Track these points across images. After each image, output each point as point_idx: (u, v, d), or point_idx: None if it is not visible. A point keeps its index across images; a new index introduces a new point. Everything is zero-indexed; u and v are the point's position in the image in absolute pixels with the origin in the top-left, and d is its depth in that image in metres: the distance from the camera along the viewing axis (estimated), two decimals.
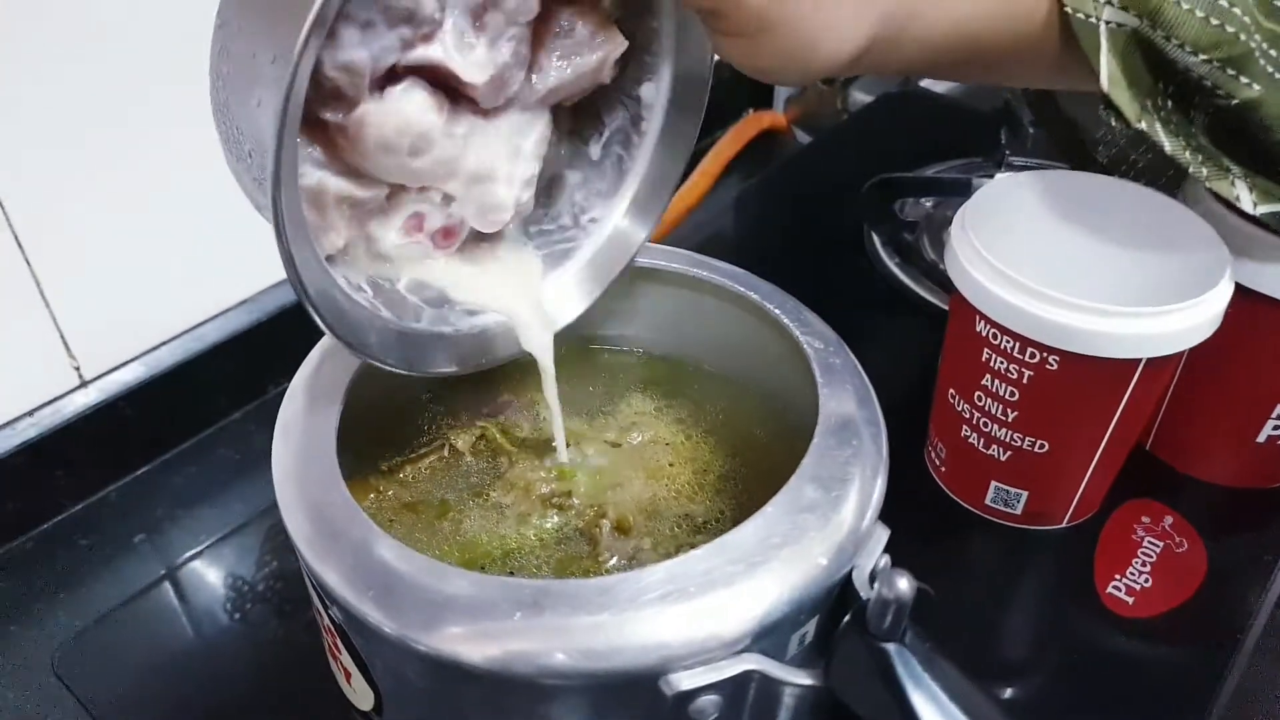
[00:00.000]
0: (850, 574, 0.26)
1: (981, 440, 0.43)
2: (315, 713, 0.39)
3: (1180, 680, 0.40)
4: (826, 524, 0.27)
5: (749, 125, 0.85)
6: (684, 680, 0.24)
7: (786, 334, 0.33)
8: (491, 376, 0.35)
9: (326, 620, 0.28)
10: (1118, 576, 0.43)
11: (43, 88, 0.47)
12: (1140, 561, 0.44)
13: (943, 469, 0.46)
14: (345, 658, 0.28)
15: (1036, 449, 0.41)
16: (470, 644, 0.24)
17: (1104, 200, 0.42)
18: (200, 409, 0.60)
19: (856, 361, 0.32)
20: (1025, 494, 0.43)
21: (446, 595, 0.25)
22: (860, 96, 0.83)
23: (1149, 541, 0.44)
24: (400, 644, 0.25)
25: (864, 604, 0.24)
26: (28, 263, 0.49)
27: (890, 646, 0.24)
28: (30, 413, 0.53)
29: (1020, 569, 0.45)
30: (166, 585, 0.50)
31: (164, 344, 0.57)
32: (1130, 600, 0.42)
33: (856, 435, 0.29)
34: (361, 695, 0.29)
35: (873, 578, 0.25)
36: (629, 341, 0.39)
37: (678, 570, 0.25)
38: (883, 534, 0.27)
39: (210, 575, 0.50)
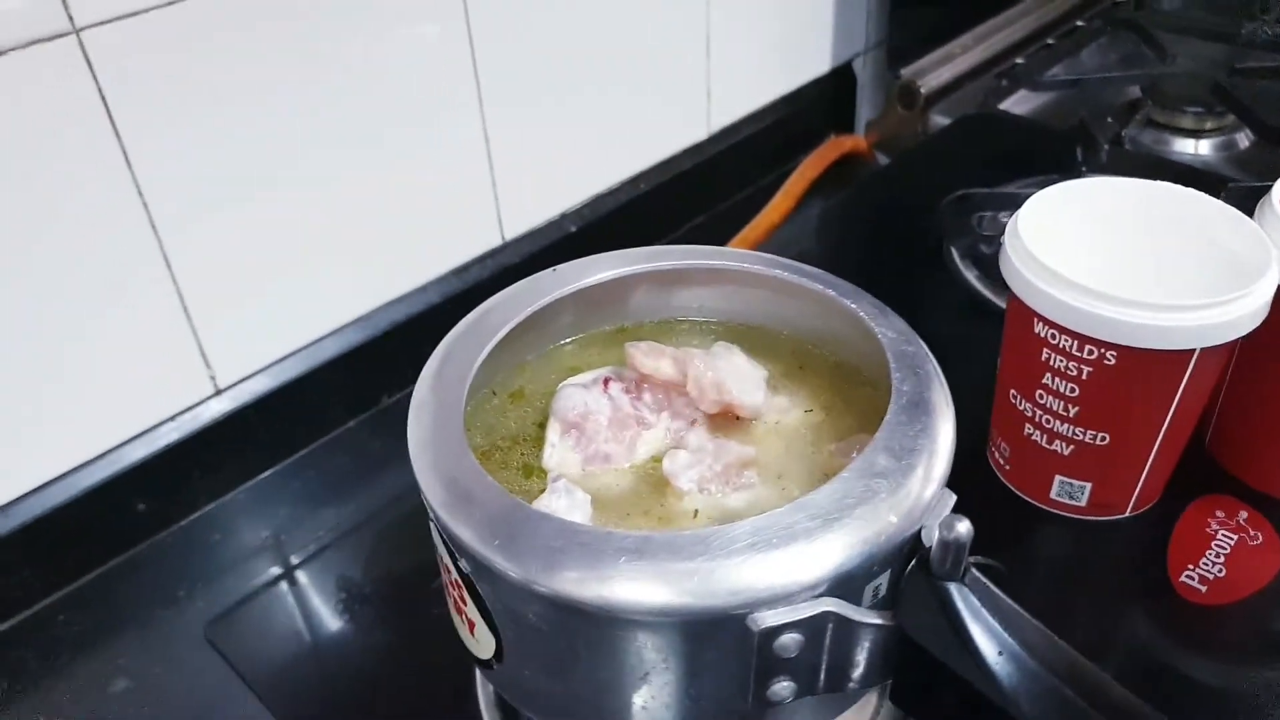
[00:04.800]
0: (919, 532, 0.29)
1: (1044, 436, 0.45)
2: (439, 671, 0.44)
3: (1254, 664, 0.42)
4: (897, 489, 0.30)
5: (831, 148, 0.89)
6: (768, 619, 0.28)
7: (862, 325, 0.36)
8: None
9: (455, 575, 0.32)
10: (1190, 567, 0.45)
11: (198, 110, 0.53)
12: (1214, 553, 0.45)
13: (1007, 467, 0.49)
14: (470, 609, 0.33)
15: (1098, 441, 0.44)
16: (582, 585, 0.28)
17: (1150, 202, 0.45)
18: (319, 417, 0.66)
19: (928, 350, 0.35)
20: (1089, 486, 0.46)
21: (562, 544, 0.29)
22: (940, 120, 0.87)
23: (1223, 534, 0.46)
24: (522, 587, 0.29)
25: (928, 549, 0.28)
26: (174, 280, 0.55)
27: (952, 586, 0.27)
28: (171, 418, 0.60)
29: (1089, 559, 0.47)
30: (299, 573, 0.55)
31: (288, 356, 0.63)
32: (1204, 589, 0.44)
33: (926, 414, 0.32)
34: (484, 644, 0.33)
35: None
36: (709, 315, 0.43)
37: (762, 525, 0.29)
38: (949, 499, 0.30)
39: (332, 565, 0.55)
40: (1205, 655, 0.42)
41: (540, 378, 0.41)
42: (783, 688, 0.29)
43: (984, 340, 0.50)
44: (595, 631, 0.29)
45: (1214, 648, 0.42)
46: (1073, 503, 0.47)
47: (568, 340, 0.42)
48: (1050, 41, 0.96)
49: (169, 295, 0.56)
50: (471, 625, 0.33)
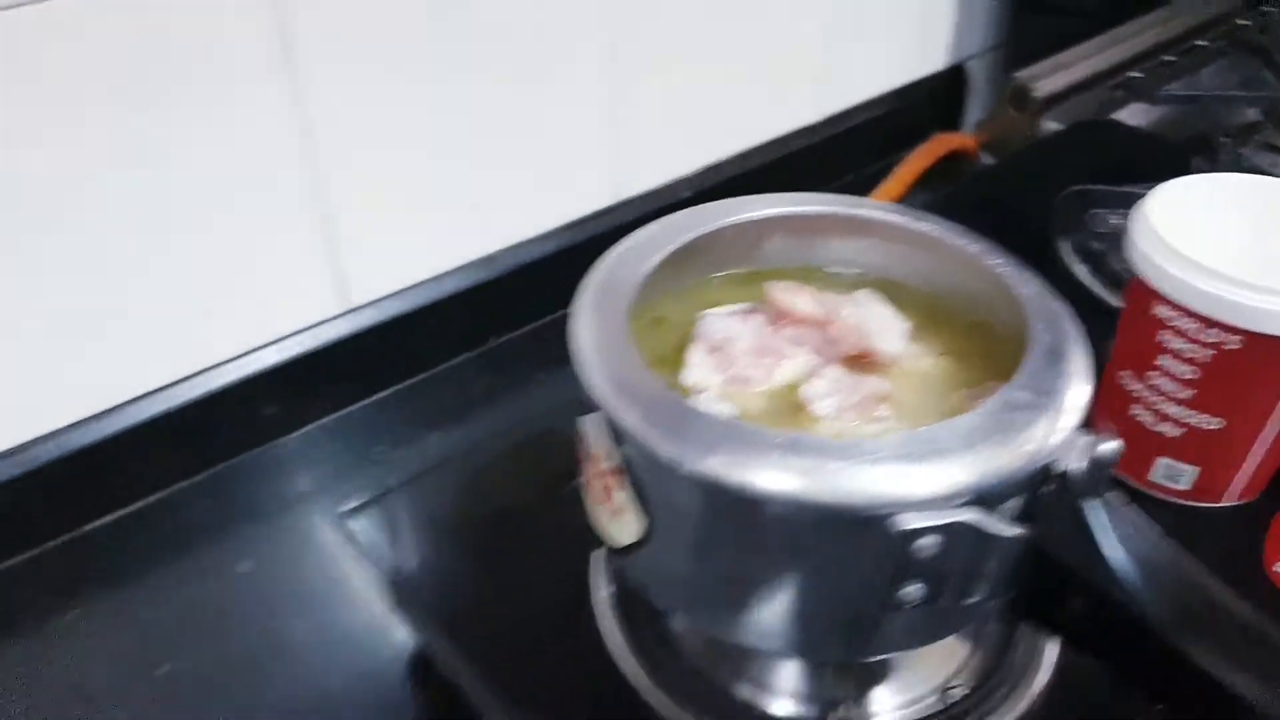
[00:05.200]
0: (1054, 462, 0.31)
1: (1153, 418, 0.47)
2: (557, 576, 0.47)
3: None
4: (1034, 423, 0.32)
5: (940, 143, 0.90)
6: (911, 521, 0.30)
7: (1000, 282, 0.39)
8: None
9: (610, 465, 0.35)
10: None
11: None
12: None
13: None
14: (620, 497, 0.35)
15: (1211, 426, 0.45)
16: (739, 470, 0.31)
17: (1268, 195, 0.46)
18: (435, 347, 0.70)
19: (1067, 306, 0.37)
20: (1195, 470, 0.47)
21: (722, 434, 0.32)
22: (1050, 125, 0.88)
23: None
24: (681, 472, 0.31)
25: (1065, 471, 0.30)
26: (324, 198, 0.59)
27: (1090, 503, 0.30)
28: (303, 330, 0.64)
29: (1186, 542, 0.48)
30: (421, 480, 0.58)
31: (415, 286, 0.67)
32: None
33: (1065, 360, 0.34)
34: (628, 530, 0.36)
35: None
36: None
37: (909, 438, 0.31)
38: (1115, 443, 0.32)
39: (450, 478, 0.58)
40: None
41: (680, 309, 0.44)
42: (913, 590, 0.32)
43: (1091, 334, 0.52)
44: (744, 517, 0.32)
45: None
46: (1174, 486, 0.48)
47: (709, 277, 0.45)
48: (1170, 58, 0.96)
49: (316, 214, 0.60)
50: (618, 513, 0.36)
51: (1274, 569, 0.45)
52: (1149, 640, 0.28)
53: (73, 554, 0.58)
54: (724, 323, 0.40)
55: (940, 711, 0.40)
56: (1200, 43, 0.97)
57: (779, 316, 0.41)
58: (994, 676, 0.41)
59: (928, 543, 0.30)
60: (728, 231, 0.42)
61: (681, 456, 0.31)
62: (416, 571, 0.48)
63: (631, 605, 0.44)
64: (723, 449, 0.31)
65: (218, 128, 0.53)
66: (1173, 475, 0.48)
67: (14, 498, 0.55)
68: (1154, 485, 0.49)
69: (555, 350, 0.64)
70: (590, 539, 0.47)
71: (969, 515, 0.30)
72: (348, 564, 0.54)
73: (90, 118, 0.49)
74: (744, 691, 0.41)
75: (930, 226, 0.41)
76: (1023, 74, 0.91)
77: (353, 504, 0.52)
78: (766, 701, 0.41)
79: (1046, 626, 0.36)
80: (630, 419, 0.33)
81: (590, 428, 0.36)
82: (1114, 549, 0.29)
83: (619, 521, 0.36)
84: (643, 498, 0.34)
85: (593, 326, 0.36)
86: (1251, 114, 0.84)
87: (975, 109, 0.98)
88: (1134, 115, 0.89)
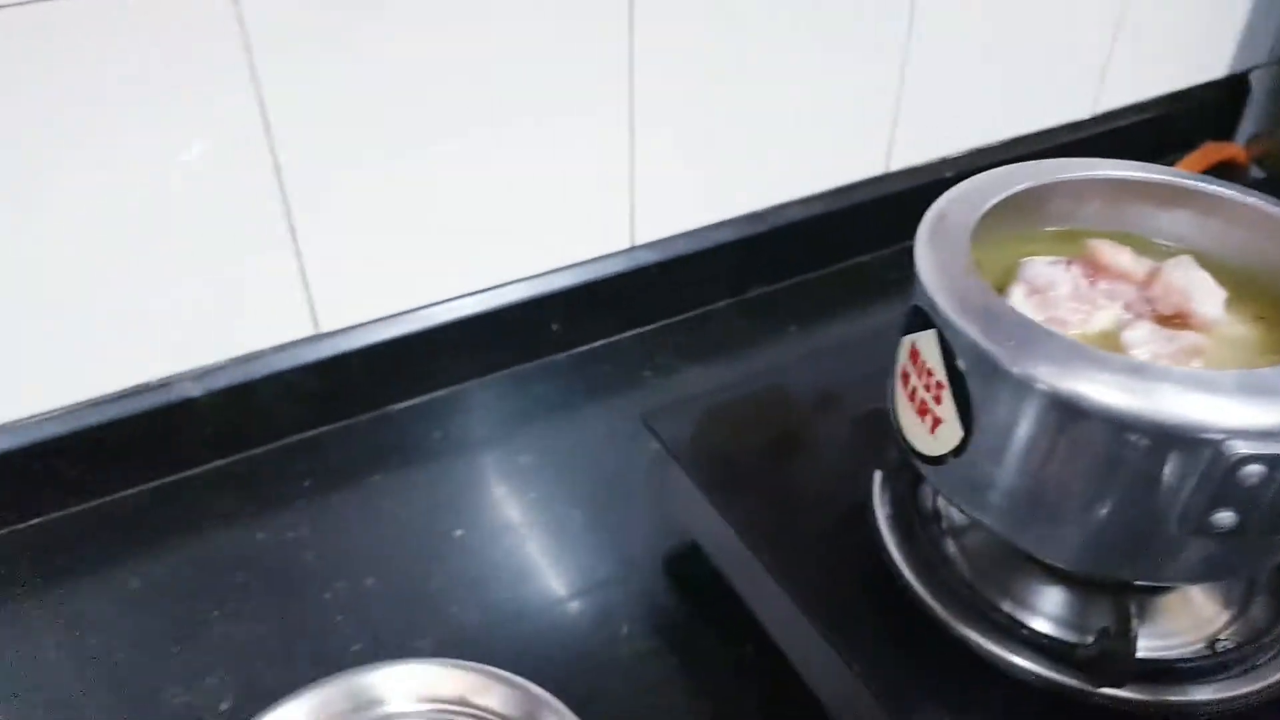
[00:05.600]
0: None
1: None
2: (841, 490, 0.52)
3: None
4: None
5: (1211, 151, 0.89)
6: (1242, 448, 0.33)
7: None
8: None
9: (939, 377, 0.39)
10: None
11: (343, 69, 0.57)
12: None
13: None
14: (943, 408, 0.40)
15: None
16: (1090, 388, 0.34)
17: None
18: (707, 291, 0.77)
19: None
20: None
21: (1065, 352, 0.35)
22: None
23: None
24: (1022, 382, 0.36)
25: None
26: (294, 236, 0.60)
27: None
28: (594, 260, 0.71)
29: None
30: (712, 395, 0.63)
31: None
32: None
33: None
34: (947, 440, 0.40)
35: None
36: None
37: (1247, 375, 0.34)
38: None
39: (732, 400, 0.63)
40: None
41: (998, 256, 0.47)
42: (1226, 517, 0.35)
43: None
44: (1083, 433, 0.36)
45: None
46: None
47: (1028, 230, 0.48)
48: None
49: (285, 242, 0.60)
50: (937, 423, 0.40)
51: None
52: None
53: (378, 428, 0.67)
54: (1046, 269, 0.44)
55: (1203, 658, 0.43)
56: None
57: (1096, 271, 0.44)
58: (1265, 636, 0.43)
59: (1253, 470, 0.33)
60: (1053, 188, 0.46)
61: (1026, 369, 0.35)
62: (709, 467, 0.54)
63: (909, 523, 0.48)
64: (1074, 365, 0.35)
65: None
66: None
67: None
68: None
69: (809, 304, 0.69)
70: (870, 461, 0.52)
71: None
72: (643, 459, 0.61)
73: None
74: (1010, 608, 0.45)
75: (1254, 199, 0.43)
76: None
77: (653, 407, 0.58)
78: (1031, 619, 0.44)
79: None
80: (974, 330, 0.37)
81: (923, 344, 0.41)
82: None
83: (934, 435, 0.41)
84: (974, 405, 0.38)
85: (936, 250, 0.41)
86: None
87: (1252, 121, 0.95)
88: None
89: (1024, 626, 0.44)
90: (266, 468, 0.63)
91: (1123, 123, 0.89)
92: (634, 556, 0.59)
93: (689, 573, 0.57)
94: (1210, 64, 0.93)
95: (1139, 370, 0.35)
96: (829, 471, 0.54)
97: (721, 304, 0.78)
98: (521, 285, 0.70)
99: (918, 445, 0.43)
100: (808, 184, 0.78)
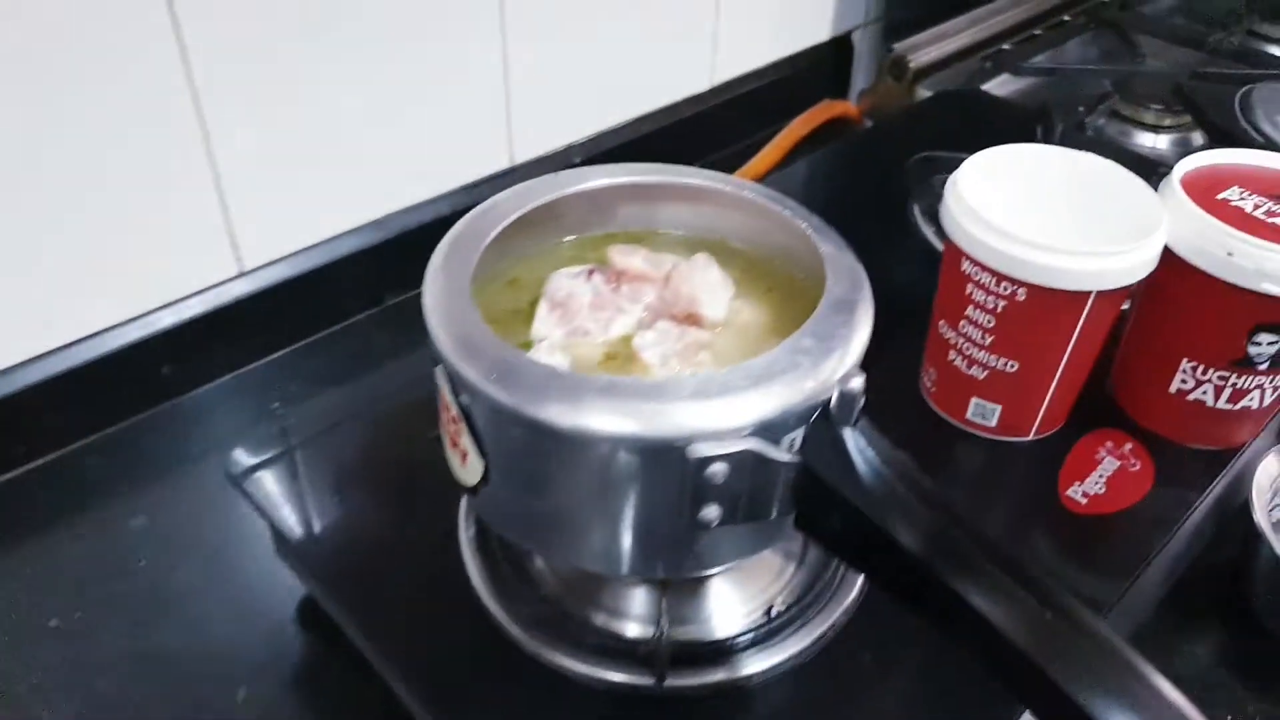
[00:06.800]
0: (830, 398, 0.36)
1: (964, 362, 0.52)
2: (428, 520, 0.51)
3: (1104, 555, 0.50)
4: (817, 364, 0.37)
5: (822, 110, 0.95)
6: (702, 450, 0.35)
7: (808, 240, 0.43)
8: None
9: (455, 412, 0.39)
10: (1076, 483, 0.52)
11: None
12: (1098, 475, 0.53)
13: (933, 390, 0.56)
14: (464, 441, 0.40)
15: (1008, 369, 0.51)
16: (561, 413, 0.35)
17: (1067, 166, 0.52)
18: (331, 308, 0.73)
19: (859, 262, 0.42)
20: (999, 408, 0.53)
21: (546, 382, 0.36)
22: (925, 93, 0.94)
23: (1109, 460, 0.54)
24: (512, 415, 0.36)
25: (829, 400, 0.35)
26: (213, 165, 0.61)
27: (845, 429, 0.35)
28: (199, 293, 0.66)
29: (995, 471, 0.55)
30: (315, 440, 0.61)
31: (309, 248, 0.70)
32: (1084, 501, 0.51)
33: (849, 310, 0.39)
34: (473, 471, 0.40)
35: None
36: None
37: (705, 379, 0.36)
38: (860, 376, 0.37)
39: (340, 439, 0.62)
40: (1072, 549, 0.50)
41: (536, 270, 0.48)
42: (711, 511, 0.37)
43: (934, 286, 0.57)
44: (567, 453, 0.36)
45: (1080, 544, 0.50)
46: (984, 423, 0.54)
47: (562, 240, 0.49)
48: (1038, 32, 1.02)
49: (206, 179, 0.62)
50: (464, 456, 0.40)
51: (1065, 493, 0.52)
52: (894, 553, 0.33)
53: None
54: (567, 281, 0.44)
55: (763, 625, 0.46)
56: (1066, 18, 1.04)
57: (617, 276, 0.45)
58: (809, 594, 0.47)
59: (718, 469, 0.35)
60: (575, 198, 0.46)
61: (515, 403, 0.36)
62: (302, 523, 0.52)
63: (490, 543, 0.49)
64: (551, 395, 0.36)
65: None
66: (983, 413, 0.54)
67: None
68: (969, 423, 0.55)
69: None
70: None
71: (752, 444, 0.35)
72: (234, 519, 0.58)
73: None
74: (592, 616, 0.46)
75: (750, 194, 0.46)
76: (901, 45, 0.97)
77: (243, 464, 0.55)
78: (614, 624, 0.46)
79: (824, 544, 0.41)
80: (470, 371, 0.37)
81: (440, 379, 0.40)
82: (866, 470, 0.34)
83: (464, 465, 0.40)
84: (483, 440, 0.39)
85: (441, 286, 0.40)
86: (1106, 85, 0.91)
87: (860, 78, 1.03)
88: (1002, 85, 0.95)
89: (603, 633, 0.45)
90: None
91: (741, 90, 0.93)
92: (264, 615, 0.55)
93: (319, 622, 0.55)
94: (815, 28, 0.98)
95: (608, 389, 0.36)
96: (426, 500, 0.53)
97: (360, 317, 0.76)
98: (119, 331, 0.64)
99: (457, 476, 0.42)
100: (433, 185, 0.76)
